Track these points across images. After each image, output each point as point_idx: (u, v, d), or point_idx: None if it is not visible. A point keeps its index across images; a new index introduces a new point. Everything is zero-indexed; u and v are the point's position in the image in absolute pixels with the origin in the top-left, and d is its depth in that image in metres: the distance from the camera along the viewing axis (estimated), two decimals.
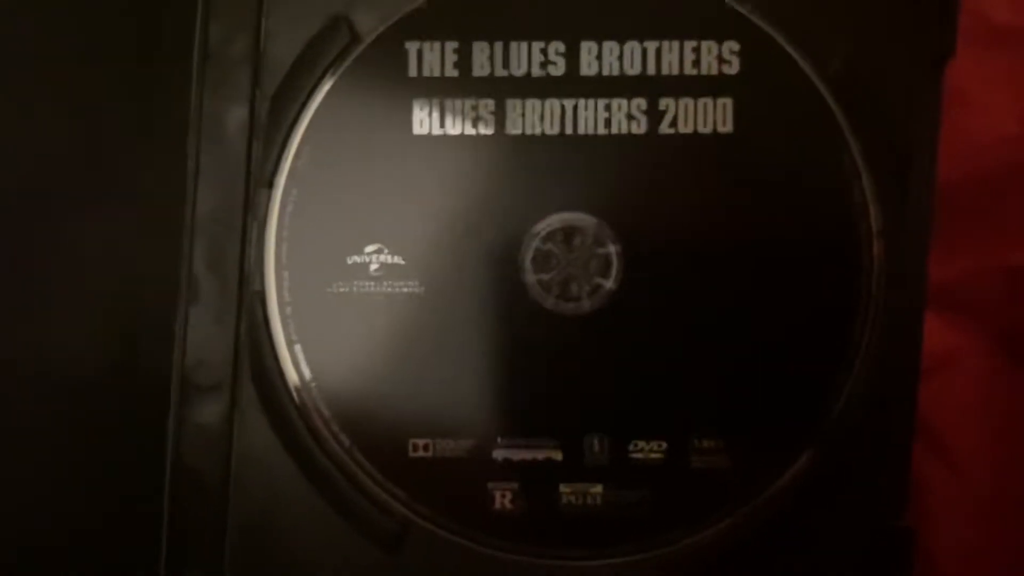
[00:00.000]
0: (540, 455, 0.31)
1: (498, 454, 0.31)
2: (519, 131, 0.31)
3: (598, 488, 0.31)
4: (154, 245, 0.31)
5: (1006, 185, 0.31)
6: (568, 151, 0.31)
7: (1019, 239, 0.31)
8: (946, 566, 0.31)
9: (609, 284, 0.31)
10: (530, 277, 0.31)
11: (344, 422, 0.31)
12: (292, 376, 0.31)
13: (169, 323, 0.31)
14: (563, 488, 0.31)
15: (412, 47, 0.31)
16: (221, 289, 0.31)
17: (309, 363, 0.31)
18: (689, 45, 0.30)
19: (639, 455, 0.31)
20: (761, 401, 0.30)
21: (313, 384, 0.31)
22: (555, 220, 0.31)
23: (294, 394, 0.31)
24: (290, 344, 0.31)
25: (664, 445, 0.30)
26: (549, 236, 0.31)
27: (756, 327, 0.30)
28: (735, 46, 0.30)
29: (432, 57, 0.31)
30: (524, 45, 0.30)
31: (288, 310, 0.31)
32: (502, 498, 0.31)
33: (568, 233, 0.31)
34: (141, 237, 0.31)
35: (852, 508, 0.30)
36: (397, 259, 0.31)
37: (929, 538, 0.31)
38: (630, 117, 0.30)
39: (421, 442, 0.31)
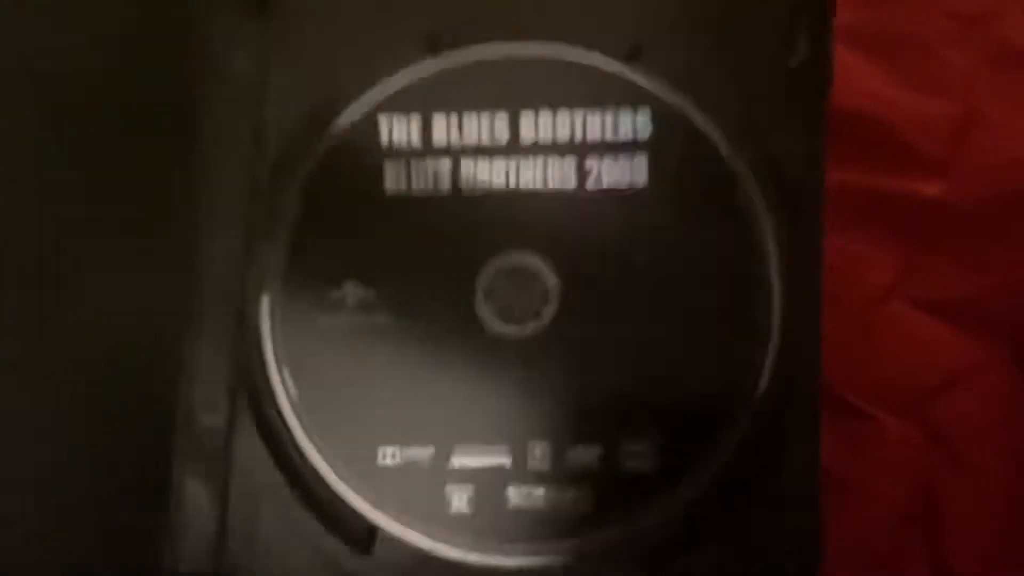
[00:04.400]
0: (491, 461, 0.35)
1: (455, 460, 0.35)
2: (472, 187, 0.36)
3: (540, 490, 0.35)
4: (163, 286, 0.37)
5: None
6: (513, 203, 0.36)
7: None
8: None
9: (549, 311, 0.36)
10: (482, 307, 0.36)
11: (323, 434, 0.36)
12: (281, 396, 0.36)
13: (176, 356, 0.37)
14: (511, 491, 0.35)
15: (384, 120, 0.37)
16: (222, 323, 0.37)
17: (296, 384, 0.36)
18: (609, 113, 0.36)
19: (576, 459, 0.35)
20: (682, 405, 0.34)
21: (299, 402, 0.36)
22: (503, 259, 0.36)
23: (283, 411, 0.36)
24: (280, 368, 0.36)
25: (599, 449, 0.35)
26: (498, 272, 0.36)
27: (676, 341, 0.35)
28: (647, 112, 0.36)
29: (400, 128, 0.37)
30: (474, 115, 0.37)
31: (279, 338, 0.36)
32: (459, 501, 0.35)
33: (514, 270, 0.36)
34: (151, 280, 0.37)
35: (769, 492, 0.33)
36: (370, 293, 0.36)
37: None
38: (563, 174, 0.36)
39: (389, 450, 0.35)
